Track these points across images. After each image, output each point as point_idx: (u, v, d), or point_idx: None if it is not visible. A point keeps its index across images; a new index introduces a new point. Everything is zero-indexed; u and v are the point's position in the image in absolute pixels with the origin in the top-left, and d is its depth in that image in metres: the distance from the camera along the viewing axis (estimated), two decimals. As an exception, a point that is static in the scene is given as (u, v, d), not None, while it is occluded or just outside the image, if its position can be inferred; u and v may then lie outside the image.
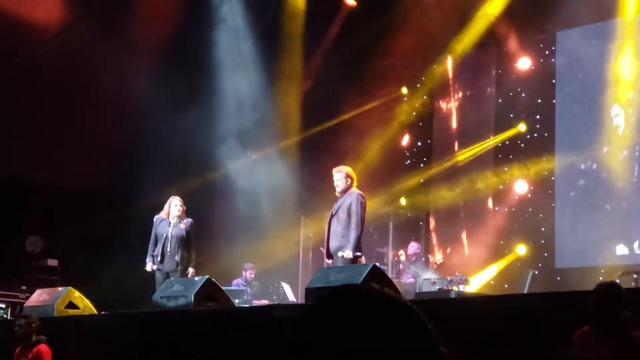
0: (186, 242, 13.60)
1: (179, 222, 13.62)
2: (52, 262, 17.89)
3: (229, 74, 18.79)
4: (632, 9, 16.85)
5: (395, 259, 17.71)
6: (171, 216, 13.62)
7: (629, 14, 16.93)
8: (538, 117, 18.42)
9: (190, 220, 13.74)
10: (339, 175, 11.85)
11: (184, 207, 13.73)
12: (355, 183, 11.89)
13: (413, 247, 17.04)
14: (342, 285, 1.71)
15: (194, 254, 13.66)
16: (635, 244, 16.55)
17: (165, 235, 13.54)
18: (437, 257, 18.77)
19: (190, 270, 13.48)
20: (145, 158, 17.78)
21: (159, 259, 13.50)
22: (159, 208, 13.91)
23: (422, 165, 20.04)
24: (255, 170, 18.61)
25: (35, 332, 10.74)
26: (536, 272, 14.89)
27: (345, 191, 11.78)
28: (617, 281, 9.77)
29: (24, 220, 17.85)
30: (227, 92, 18.74)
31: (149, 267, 13.56)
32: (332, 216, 11.83)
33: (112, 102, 17.97)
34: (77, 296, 13.05)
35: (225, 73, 18.80)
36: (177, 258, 13.50)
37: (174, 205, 13.66)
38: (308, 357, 1.63)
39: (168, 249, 13.51)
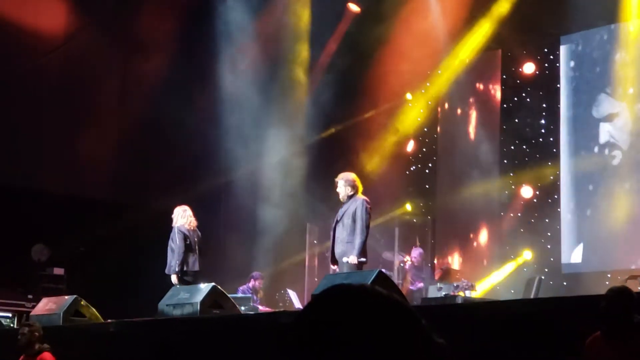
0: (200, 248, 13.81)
1: (195, 231, 13.82)
2: (59, 271, 17.90)
3: (234, 80, 18.79)
4: (637, 13, 16.82)
5: (402, 264, 17.70)
6: (192, 225, 13.77)
7: (633, 18, 16.90)
8: (543, 122, 18.40)
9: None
10: (340, 183, 11.87)
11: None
12: (360, 189, 11.89)
13: (416, 252, 17.04)
14: (333, 285, 1.72)
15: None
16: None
17: (195, 244, 13.70)
18: (443, 262, 18.75)
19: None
20: (151, 165, 17.81)
21: (196, 267, 13.60)
22: (166, 215, 13.94)
23: (427, 170, 20.02)
24: (261, 177, 18.61)
25: (38, 340, 10.73)
26: (542, 277, 14.84)
27: (349, 197, 11.78)
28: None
29: (29, 229, 17.85)
30: (232, 98, 18.73)
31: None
32: (336, 222, 11.83)
33: (116, 110, 17.99)
34: (83, 304, 13.06)
35: (230, 79, 18.80)
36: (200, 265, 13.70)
37: (190, 215, 13.79)
38: (301, 356, 1.64)
39: (199, 258, 13.69)
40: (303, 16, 19.12)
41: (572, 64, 18.09)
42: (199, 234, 13.86)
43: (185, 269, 13.56)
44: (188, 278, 13.51)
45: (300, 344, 1.65)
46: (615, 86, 17.17)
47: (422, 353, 1.64)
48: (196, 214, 14.08)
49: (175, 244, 13.61)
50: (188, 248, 13.61)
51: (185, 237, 13.60)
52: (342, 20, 19.25)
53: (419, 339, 1.65)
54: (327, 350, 1.61)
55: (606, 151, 17.23)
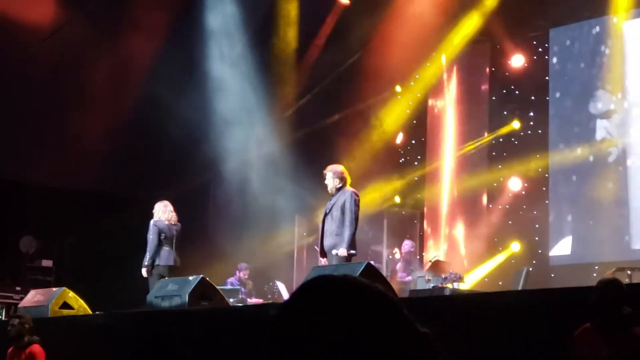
0: (178, 243, 13.90)
1: (175, 225, 13.91)
2: (47, 263, 17.89)
3: (224, 74, 18.78)
4: (625, 6, 16.85)
5: (390, 257, 17.72)
6: (172, 220, 13.85)
7: (621, 10, 16.93)
8: (532, 114, 18.44)
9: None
10: (328, 175, 11.86)
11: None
12: (348, 181, 11.89)
13: (407, 245, 17.05)
14: (317, 276, 1.74)
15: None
16: (629, 239, 16.58)
17: (172, 239, 13.79)
18: (431, 254, 18.78)
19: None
20: (141, 157, 17.78)
21: (171, 262, 13.70)
22: (152, 207, 14.04)
23: (416, 163, 20.03)
24: (250, 169, 18.61)
25: (28, 332, 10.72)
26: (530, 269, 14.89)
27: (338, 190, 11.78)
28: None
29: (18, 221, 17.83)
30: (222, 90, 18.72)
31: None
32: (325, 214, 11.83)
33: (106, 102, 17.94)
34: (71, 296, 13.04)
35: (219, 73, 18.79)
36: (177, 258, 13.79)
37: (170, 211, 13.89)
38: (287, 346, 1.66)
39: (173, 250, 13.76)
40: (292, 8, 19.10)
41: (560, 56, 18.12)
42: (179, 229, 13.93)
43: (157, 263, 13.68)
44: (162, 272, 13.62)
45: (285, 333, 1.67)
46: (603, 78, 17.20)
47: (405, 342, 1.66)
48: (185, 206, 14.12)
49: (148, 238, 13.79)
50: (162, 243, 13.72)
51: (160, 232, 13.73)
52: (331, 12, 19.22)
53: (402, 328, 1.67)
54: (311, 339, 1.63)
55: (593, 143, 17.27)
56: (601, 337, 6.74)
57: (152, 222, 13.82)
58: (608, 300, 6.75)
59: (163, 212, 13.88)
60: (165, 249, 13.72)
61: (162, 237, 13.71)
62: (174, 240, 13.82)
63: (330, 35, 19.22)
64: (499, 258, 17.97)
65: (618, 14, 16.97)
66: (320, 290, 1.70)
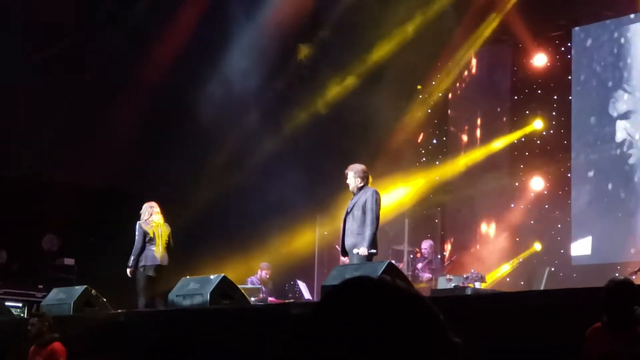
0: (169, 243, 14.14)
1: (164, 225, 14.16)
2: (69, 261, 17.94)
3: (240, 71, 18.76)
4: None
5: (412, 256, 17.70)
6: (158, 221, 14.10)
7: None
8: (554, 113, 18.38)
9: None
10: (350, 174, 11.87)
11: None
12: (370, 180, 11.88)
13: (427, 244, 17.04)
14: (352, 277, 1.71)
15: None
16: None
17: (159, 237, 14.01)
18: (452, 254, 18.74)
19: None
20: (161, 155, 17.81)
21: (157, 261, 13.91)
22: (175, 204, 14.22)
23: (437, 162, 19.99)
24: (271, 168, 18.58)
25: (48, 330, 10.77)
26: (552, 269, 14.85)
27: (359, 189, 11.77)
28: (633, 277, 9.74)
29: (40, 219, 17.89)
30: (239, 89, 18.69)
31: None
32: (347, 214, 11.83)
33: (127, 99, 17.96)
34: (93, 295, 13.10)
35: (236, 69, 18.76)
36: (168, 260, 14.04)
37: (157, 212, 14.13)
38: (317, 347, 1.63)
39: (160, 250, 13.97)
40: (308, 3, 19.04)
41: (582, 56, 18.05)
42: (167, 229, 14.12)
43: (144, 263, 13.93)
44: (148, 272, 13.87)
45: (316, 337, 1.65)
46: (626, 77, 17.12)
47: (437, 350, 1.64)
48: (206, 204, 14.18)
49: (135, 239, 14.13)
50: (148, 243, 13.98)
51: (145, 234, 14.00)
52: (347, 9, 19.13)
53: (435, 335, 1.65)
54: (343, 344, 1.61)
55: (616, 143, 17.18)
56: (611, 336, 6.73)
57: (137, 224, 14.12)
58: (617, 299, 6.75)
59: (149, 214, 14.17)
60: (152, 249, 13.95)
61: (147, 238, 13.99)
62: (161, 241, 13.97)
63: (350, 31, 19.13)
64: (521, 258, 17.91)
65: (641, 13, 16.90)
66: (353, 293, 1.68)
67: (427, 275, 16.38)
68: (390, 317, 1.62)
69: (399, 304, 1.64)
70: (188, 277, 13.09)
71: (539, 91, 18.58)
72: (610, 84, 17.46)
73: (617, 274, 14.37)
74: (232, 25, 18.73)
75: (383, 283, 1.68)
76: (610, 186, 17.15)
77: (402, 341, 1.60)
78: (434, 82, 19.72)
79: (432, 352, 1.62)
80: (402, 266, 16.77)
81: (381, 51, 18.67)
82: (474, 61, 19.28)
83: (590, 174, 17.60)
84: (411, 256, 17.76)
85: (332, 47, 18.96)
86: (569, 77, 18.24)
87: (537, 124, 18.40)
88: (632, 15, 17.10)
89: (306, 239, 19.05)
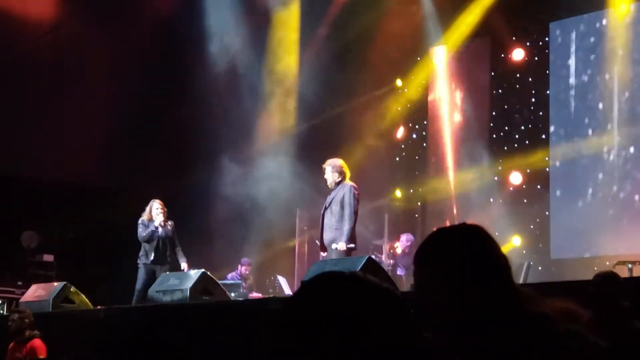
0: (172, 241, 14.05)
1: (165, 224, 14.00)
2: (48, 258, 17.90)
3: (225, 65, 18.76)
4: (625, -1, 16.85)
5: (391, 251, 17.72)
6: (157, 219, 13.90)
7: (621, 3, 16.92)
8: (532, 108, 18.42)
9: (172, 222, 14.22)
10: (327, 169, 11.88)
11: (165, 209, 14.16)
12: (347, 175, 11.89)
13: (405, 238, 17.06)
14: (324, 272, 1.73)
15: (180, 250, 14.11)
16: (629, 234, 16.56)
17: (156, 236, 13.90)
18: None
19: (184, 264, 13.74)
20: (141, 150, 17.78)
21: (151, 258, 13.82)
22: (153, 199, 14.21)
23: (417, 157, 20.02)
24: (251, 162, 18.58)
25: (28, 327, 10.74)
26: (531, 263, 14.89)
27: (337, 183, 11.78)
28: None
29: (19, 216, 17.84)
30: (221, 83, 18.69)
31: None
32: (325, 209, 11.84)
33: (106, 95, 17.93)
34: (72, 291, 13.07)
35: (220, 63, 18.76)
36: (167, 257, 13.91)
37: (155, 209, 14.02)
38: (291, 341, 1.65)
39: (160, 249, 13.86)
40: (292, 2, 19.10)
41: (560, 50, 18.10)
42: (171, 227, 14.11)
43: (144, 261, 13.97)
44: (151, 270, 13.87)
45: (291, 330, 1.66)
46: (604, 72, 17.19)
47: (406, 343, 1.65)
48: (186, 199, 14.16)
49: (176, 237, 14.23)
50: (149, 240, 13.96)
51: (147, 230, 14.02)
52: (332, 6, 19.17)
53: (404, 329, 1.66)
54: (318, 336, 1.62)
55: (594, 137, 17.26)
56: (598, 331, 6.72)
57: (140, 220, 14.13)
58: (604, 293, 6.72)
59: (153, 211, 14.13)
60: (153, 246, 13.96)
61: (150, 235, 13.99)
62: (163, 238, 14.02)
63: (331, 28, 19.16)
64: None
65: (618, 7, 16.96)
66: (327, 287, 1.69)
67: (405, 271, 16.39)
68: (360, 311, 1.63)
69: (369, 298, 1.66)
70: (168, 272, 13.10)
71: (517, 85, 18.61)
72: (588, 77, 17.52)
73: (596, 268, 14.46)
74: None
75: (354, 277, 1.70)
76: (588, 179, 17.21)
77: (371, 334, 1.61)
78: (413, 77, 19.74)
79: (401, 345, 1.63)
80: (382, 260, 16.79)
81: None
82: (452, 55, 19.28)
83: (569, 167, 17.65)
84: (390, 251, 17.77)
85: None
86: (547, 72, 18.28)
87: (516, 118, 18.43)
88: (608, 9, 17.16)
89: (286, 233, 19.05)
